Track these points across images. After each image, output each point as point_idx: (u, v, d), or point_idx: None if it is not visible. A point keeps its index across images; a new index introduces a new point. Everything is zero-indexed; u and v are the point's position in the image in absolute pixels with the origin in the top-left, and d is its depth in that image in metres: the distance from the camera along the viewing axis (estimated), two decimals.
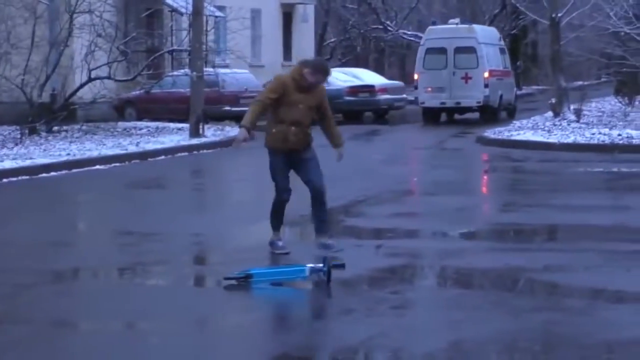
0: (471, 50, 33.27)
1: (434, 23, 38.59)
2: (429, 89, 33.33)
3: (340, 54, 53.51)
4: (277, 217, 11.08)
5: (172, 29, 35.29)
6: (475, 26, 36.00)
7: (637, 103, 36.82)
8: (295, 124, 10.65)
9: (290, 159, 10.80)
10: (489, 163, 22.14)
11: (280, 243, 10.97)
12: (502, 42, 38.31)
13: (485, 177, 20.20)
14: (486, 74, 33.07)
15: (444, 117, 34.96)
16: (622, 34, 32.72)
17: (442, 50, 33.33)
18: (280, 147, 10.72)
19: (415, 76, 34.00)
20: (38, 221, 14.27)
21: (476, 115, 34.22)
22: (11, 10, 26.20)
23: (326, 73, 10.86)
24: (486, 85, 33.04)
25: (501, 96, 34.54)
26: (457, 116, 35.02)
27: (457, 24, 35.14)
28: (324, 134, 11.03)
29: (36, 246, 12.08)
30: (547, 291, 9.44)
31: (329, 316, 8.13)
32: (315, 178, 10.79)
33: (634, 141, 24.34)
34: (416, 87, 33.88)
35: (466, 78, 32.97)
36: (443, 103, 33.47)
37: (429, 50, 33.50)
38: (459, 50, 33.29)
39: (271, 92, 10.69)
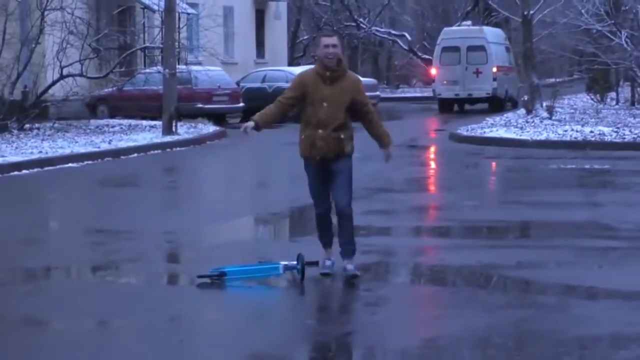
0: (481, 48, 37.90)
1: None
2: (445, 82, 38.00)
3: (313, 52, 53.53)
4: (320, 232, 9.73)
5: (145, 26, 35.20)
6: (485, 28, 40.80)
7: (608, 100, 37.05)
8: (321, 125, 9.24)
9: (323, 168, 9.38)
10: (461, 160, 22.17)
11: (327, 262, 9.57)
12: (508, 42, 42.20)
13: (457, 174, 20.23)
14: (494, 69, 37.62)
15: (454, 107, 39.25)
16: (594, 31, 32.85)
17: (456, 49, 38.00)
18: (309, 155, 9.36)
19: (433, 71, 38.94)
20: (9, 219, 14.20)
21: (484, 106, 38.41)
22: None
23: (333, 34, 10.04)
24: (494, 79, 37.70)
25: (507, 89, 39.12)
26: (467, 106, 39.25)
27: (469, 25, 40.43)
28: (370, 135, 9.66)
29: (7, 244, 12.04)
30: (520, 288, 9.46)
31: (302, 314, 8.12)
32: (341, 197, 9.39)
33: (606, 138, 24.47)
34: (434, 81, 38.76)
35: (477, 73, 37.61)
36: (457, 94, 38.26)
37: (445, 49, 38.29)
38: (470, 48, 37.88)
39: (288, 91, 9.50)
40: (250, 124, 9.23)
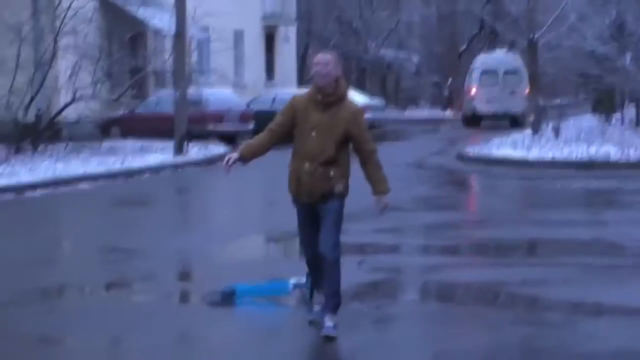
0: (516, 72, 41.63)
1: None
2: (485, 100, 41.34)
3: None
4: (312, 278, 8.51)
5: (156, 50, 35.27)
6: (518, 54, 43.67)
7: (613, 120, 37.02)
8: (308, 158, 7.85)
9: (311, 208, 8.05)
10: (469, 179, 22.17)
11: (316, 307, 8.40)
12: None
13: (466, 193, 20.24)
14: (527, 90, 39.00)
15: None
16: (599, 53, 32.86)
17: (495, 72, 41.99)
18: (295, 193, 8.05)
19: (473, 91, 42.16)
20: (24, 239, 14.21)
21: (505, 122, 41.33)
22: None
23: (328, 52, 8.19)
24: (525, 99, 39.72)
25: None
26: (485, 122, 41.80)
27: (505, 51, 44.20)
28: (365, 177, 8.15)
29: (22, 263, 12.03)
30: (527, 305, 9.45)
31: (311, 331, 8.11)
32: (324, 241, 7.94)
33: (611, 158, 24.45)
34: (473, 99, 41.92)
35: (512, 92, 41.20)
36: (496, 111, 41.59)
37: (484, 72, 42.21)
38: (507, 72, 41.92)
39: (278, 116, 8.11)
40: (234, 156, 8.01)
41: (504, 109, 41.42)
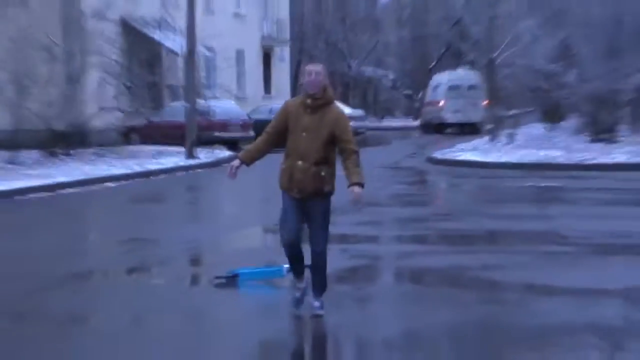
0: (476, 87, 41.33)
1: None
2: (452, 110, 42.05)
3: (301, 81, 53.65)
4: (291, 263, 8.09)
5: (169, 67, 35.25)
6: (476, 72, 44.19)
7: (559, 128, 37.05)
8: (301, 157, 7.59)
9: (300, 203, 7.71)
10: (436, 179, 22.20)
11: (297, 294, 8.16)
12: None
13: (434, 190, 20.26)
14: (485, 103, 39.37)
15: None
16: (547, 70, 32.93)
17: (459, 87, 42.60)
18: (287, 188, 7.70)
19: (442, 102, 42.52)
20: (56, 230, 14.23)
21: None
22: (31, 52, 26.13)
23: (318, 63, 8.10)
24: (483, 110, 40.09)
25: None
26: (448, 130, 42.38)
27: (466, 69, 44.29)
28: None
29: (55, 252, 12.04)
30: (486, 286, 9.45)
31: (302, 308, 8.13)
32: (318, 242, 7.80)
33: (557, 160, 24.50)
34: (441, 110, 42.37)
35: (474, 104, 41.10)
36: (460, 120, 42.24)
37: (450, 87, 42.77)
38: (470, 87, 42.11)
39: (273, 120, 7.91)
40: (236, 162, 7.80)
41: (466, 118, 42.02)
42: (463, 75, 43.79)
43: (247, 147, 7.96)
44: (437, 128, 42.40)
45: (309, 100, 7.62)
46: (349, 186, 7.53)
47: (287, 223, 7.70)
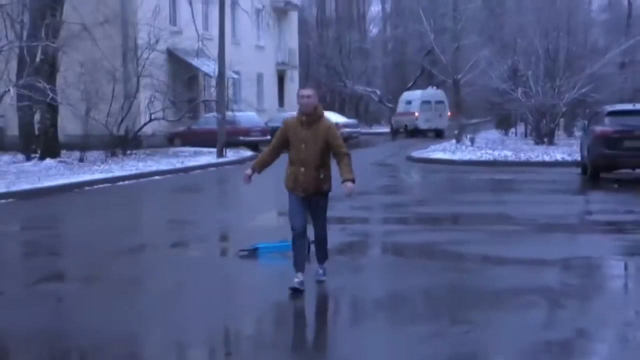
0: (442, 102, 42.91)
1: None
2: (424, 120, 42.38)
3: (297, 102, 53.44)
4: (296, 254, 7.72)
5: (205, 86, 35.22)
6: (441, 90, 45.50)
7: (510, 134, 37.02)
8: (303, 164, 7.49)
9: (304, 198, 7.59)
10: (414, 174, 22.14)
11: (295, 280, 7.56)
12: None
13: (411, 182, 20.20)
14: (449, 113, 41.37)
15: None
16: (500, 88, 32.90)
17: (429, 102, 42.77)
18: (292, 189, 7.59)
19: (417, 114, 42.53)
20: (115, 213, 14.20)
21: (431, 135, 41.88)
22: (98, 75, 26.17)
23: (309, 88, 7.75)
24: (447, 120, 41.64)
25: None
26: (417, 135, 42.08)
27: (435, 89, 44.90)
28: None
29: (114, 230, 12.03)
30: (452, 258, 9.43)
31: (309, 274, 8.10)
32: (318, 227, 7.74)
33: (509, 158, 24.47)
34: (417, 119, 42.52)
35: (440, 115, 42.38)
36: (430, 127, 42.47)
37: (423, 102, 42.74)
38: (437, 102, 42.82)
39: (276, 137, 7.73)
40: (249, 171, 7.74)
41: (435, 125, 42.39)
42: (432, 93, 44.07)
43: (259, 158, 7.76)
44: (412, 133, 42.90)
45: (304, 118, 7.47)
46: (342, 182, 7.41)
47: (295, 216, 7.56)
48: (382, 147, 34.78)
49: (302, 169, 7.47)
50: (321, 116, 7.58)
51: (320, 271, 7.92)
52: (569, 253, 9.43)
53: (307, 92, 7.53)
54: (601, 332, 6.32)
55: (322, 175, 7.52)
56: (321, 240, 7.78)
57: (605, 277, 8.63)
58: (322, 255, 7.89)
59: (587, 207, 14.29)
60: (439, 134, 41.91)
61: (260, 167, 7.73)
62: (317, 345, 6.32)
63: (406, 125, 43.43)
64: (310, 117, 7.49)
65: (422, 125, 42.53)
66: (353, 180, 7.42)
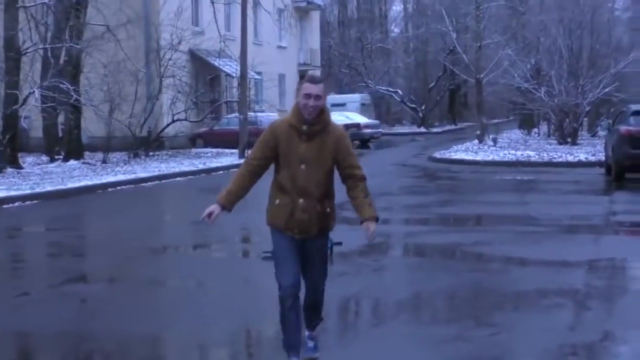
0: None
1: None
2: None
3: (295, 98, 53.55)
4: (285, 330, 5.09)
5: (227, 87, 35.33)
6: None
7: (533, 134, 36.81)
8: (302, 194, 4.91)
9: (300, 242, 5.05)
10: (436, 174, 22.06)
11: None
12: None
13: (434, 183, 20.13)
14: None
15: None
16: (523, 88, 32.72)
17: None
18: (284, 229, 5.04)
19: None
20: (138, 214, 14.27)
21: None
22: (121, 76, 26.32)
23: (319, 81, 4.87)
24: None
25: None
26: None
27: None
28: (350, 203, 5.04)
29: (137, 231, 12.09)
30: (475, 258, 9.41)
31: (331, 277, 8.08)
32: (318, 278, 5.19)
33: (531, 158, 24.33)
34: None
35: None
36: None
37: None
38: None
39: (258, 148, 5.08)
40: (216, 210, 5.25)
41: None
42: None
43: (229, 188, 5.26)
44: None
45: (304, 127, 4.85)
46: (361, 222, 4.95)
47: (286, 269, 5.02)
48: (403, 148, 34.67)
49: (301, 201, 4.92)
50: (328, 123, 4.94)
51: (311, 344, 5.38)
52: (593, 254, 9.36)
53: (318, 89, 4.84)
54: (628, 334, 6.27)
55: (328, 209, 5.02)
56: (320, 296, 5.26)
57: (630, 278, 8.56)
58: (318, 317, 5.35)
59: (611, 208, 14.17)
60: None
61: (231, 203, 5.26)
62: (339, 347, 6.31)
63: None
64: (314, 127, 4.89)
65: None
66: (377, 219, 4.98)
